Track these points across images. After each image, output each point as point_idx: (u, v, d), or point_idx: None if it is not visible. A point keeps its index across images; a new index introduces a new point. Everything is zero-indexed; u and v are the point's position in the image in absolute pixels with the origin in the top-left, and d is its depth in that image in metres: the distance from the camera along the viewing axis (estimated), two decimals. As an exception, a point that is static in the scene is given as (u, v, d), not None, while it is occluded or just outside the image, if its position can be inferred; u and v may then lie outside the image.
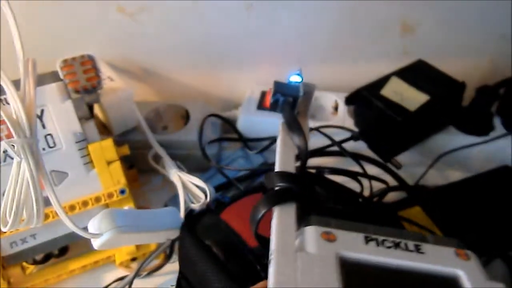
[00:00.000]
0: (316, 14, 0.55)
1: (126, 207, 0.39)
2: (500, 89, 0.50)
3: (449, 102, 0.50)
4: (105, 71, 0.51)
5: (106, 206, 0.43)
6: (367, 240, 0.25)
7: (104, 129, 0.52)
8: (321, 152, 0.51)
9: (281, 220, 0.26)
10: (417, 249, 0.24)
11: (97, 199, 0.42)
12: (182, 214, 0.44)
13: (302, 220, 0.26)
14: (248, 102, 0.57)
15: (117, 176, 0.43)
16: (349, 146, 0.51)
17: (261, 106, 0.56)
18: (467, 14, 0.56)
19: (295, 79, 0.38)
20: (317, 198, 0.30)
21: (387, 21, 0.56)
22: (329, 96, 0.58)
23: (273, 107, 0.38)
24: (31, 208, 0.29)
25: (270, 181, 0.29)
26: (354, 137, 0.49)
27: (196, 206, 0.44)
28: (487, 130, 0.52)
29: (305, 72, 0.60)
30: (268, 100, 0.55)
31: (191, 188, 0.45)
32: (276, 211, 0.27)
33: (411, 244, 0.25)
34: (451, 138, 0.51)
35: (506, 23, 0.56)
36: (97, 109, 0.50)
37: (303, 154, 0.32)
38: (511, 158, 0.50)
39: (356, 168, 0.50)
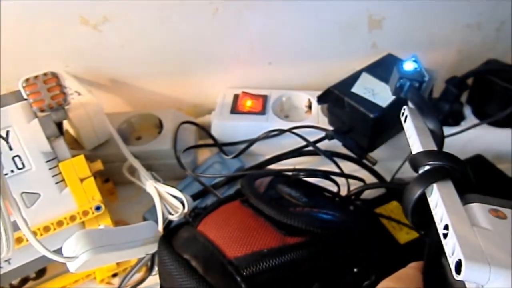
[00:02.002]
0: (281, 14, 0.55)
1: (101, 226, 0.38)
2: (468, 79, 0.51)
3: (419, 95, 0.51)
4: (72, 86, 0.50)
5: (82, 224, 0.42)
6: None
7: (77, 144, 0.51)
8: (296, 152, 0.51)
9: (446, 196, 0.25)
10: None
11: (72, 218, 0.41)
12: (160, 226, 0.43)
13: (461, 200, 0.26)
14: (221, 106, 0.56)
15: (91, 193, 0.42)
16: (324, 144, 0.51)
17: (234, 110, 0.55)
18: (431, 5, 0.56)
19: (411, 65, 0.37)
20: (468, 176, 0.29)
21: (353, 18, 0.56)
22: (302, 95, 0.58)
23: (397, 92, 0.37)
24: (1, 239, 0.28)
25: (419, 159, 0.29)
26: (328, 136, 0.49)
27: (174, 217, 0.43)
28: (458, 120, 0.53)
29: (276, 72, 0.61)
30: (242, 103, 0.55)
31: (168, 199, 0.45)
32: (436, 188, 0.26)
33: None
34: (424, 130, 0.52)
35: (470, 13, 0.57)
36: (67, 125, 0.49)
37: (439, 138, 0.32)
38: (483, 147, 0.51)
39: (332, 166, 0.50)
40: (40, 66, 0.54)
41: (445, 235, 0.23)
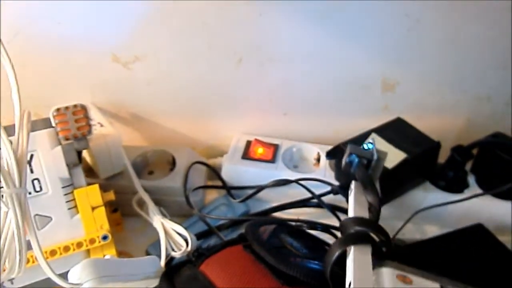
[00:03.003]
0: (300, 70, 0.58)
1: (107, 256, 0.39)
2: (473, 149, 0.53)
3: (425, 160, 0.52)
4: (96, 117, 0.53)
5: (88, 251, 0.43)
6: None
7: (91, 173, 0.53)
8: (301, 203, 0.53)
9: (358, 258, 0.28)
10: None
11: (79, 245, 0.42)
12: (163, 261, 0.44)
13: (375, 264, 0.28)
14: (233, 150, 0.59)
15: (100, 222, 0.44)
16: (329, 198, 0.52)
17: (245, 155, 0.57)
18: (444, 74, 0.59)
19: (369, 145, 0.42)
20: (389, 245, 0.32)
21: (368, 79, 0.59)
22: (312, 148, 0.60)
23: (347, 168, 0.41)
24: (13, 259, 0.30)
25: (347, 225, 0.32)
26: (333, 191, 0.51)
27: (177, 254, 0.44)
28: (462, 188, 0.54)
29: (289, 123, 0.63)
30: (254, 150, 0.57)
31: (173, 236, 0.46)
32: (353, 251, 0.29)
33: None
34: (428, 194, 0.53)
35: (481, 86, 0.60)
36: (85, 153, 0.52)
37: (376, 210, 0.36)
38: (485, 216, 0.52)
39: (335, 220, 0.51)
40: (68, 95, 0.58)
41: None
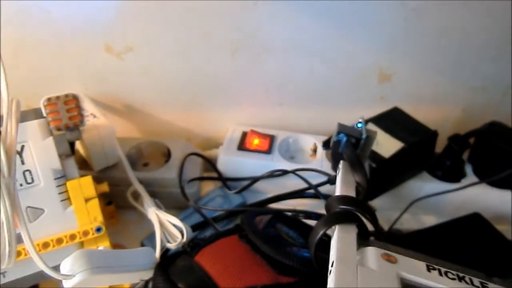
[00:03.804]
0: (296, 60, 0.57)
1: (100, 247, 0.39)
2: (470, 138, 0.53)
3: (422, 149, 0.52)
4: (89, 108, 0.52)
5: (81, 244, 0.43)
6: (429, 268, 0.25)
7: (85, 165, 0.52)
8: (298, 194, 0.52)
9: (342, 237, 0.27)
10: (483, 287, 0.25)
11: (72, 237, 0.41)
12: (157, 253, 0.43)
13: (360, 243, 0.27)
14: (229, 142, 0.58)
15: (94, 214, 0.43)
16: (326, 188, 0.52)
17: (241, 146, 0.57)
18: (439, 65, 0.59)
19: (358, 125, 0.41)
20: (375, 223, 0.32)
21: (365, 69, 0.58)
22: (308, 139, 0.59)
23: (335, 147, 0.40)
24: (3, 250, 0.29)
25: (332, 204, 0.31)
26: (330, 181, 0.50)
27: (172, 245, 0.44)
28: (459, 177, 0.54)
29: (286, 114, 0.63)
30: (250, 141, 0.57)
31: (168, 227, 0.46)
32: (338, 230, 0.28)
33: (476, 281, 0.25)
34: (425, 184, 0.53)
35: (476, 75, 0.60)
36: (78, 145, 0.51)
37: (363, 190, 0.35)
38: (482, 205, 0.52)
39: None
40: (61, 86, 0.58)
41: (330, 272, 0.25)
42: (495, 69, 0.59)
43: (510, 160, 0.50)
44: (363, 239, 0.28)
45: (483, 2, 0.52)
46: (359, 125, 0.40)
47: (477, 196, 0.52)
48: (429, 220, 0.53)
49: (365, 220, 0.31)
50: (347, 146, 0.39)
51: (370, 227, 0.31)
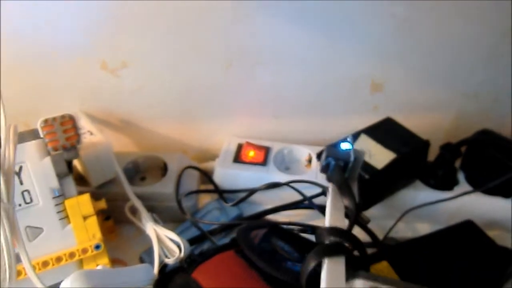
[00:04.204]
0: (290, 72, 0.58)
1: (99, 266, 0.39)
2: (461, 147, 0.53)
3: (415, 159, 0.53)
4: (85, 125, 0.52)
5: (81, 261, 0.43)
6: None
7: (82, 181, 0.53)
8: (293, 205, 0.53)
9: (331, 271, 0.28)
10: None
11: (71, 255, 0.42)
12: (156, 269, 0.44)
13: (350, 274, 0.28)
14: (225, 154, 0.59)
15: (92, 231, 0.44)
16: (321, 199, 0.53)
17: (237, 159, 0.58)
18: (431, 73, 0.59)
19: (346, 146, 0.42)
20: (363, 254, 0.33)
21: (357, 80, 0.59)
22: (303, 150, 0.60)
23: (324, 170, 0.41)
24: (3, 273, 0.30)
25: (321, 235, 0.32)
26: (324, 192, 0.51)
27: (170, 260, 0.45)
28: (451, 185, 0.55)
29: (280, 126, 0.63)
30: (245, 153, 0.58)
31: (166, 242, 0.46)
32: (327, 263, 0.29)
33: None
34: (418, 193, 0.54)
35: (468, 83, 0.60)
36: (76, 161, 0.51)
37: (352, 215, 0.36)
38: (475, 212, 0.53)
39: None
40: (58, 102, 0.58)
41: None
42: (486, 77, 0.60)
43: (501, 167, 0.51)
44: (353, 270, 0.29)
45: (473, 11, 0.53)
46: (348, 145, 0.41)
47: (469, 204, 0.53)
48: (423, 228, 0.54)
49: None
50: (335, 170, 0.40)
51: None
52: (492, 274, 0.45)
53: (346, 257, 0.30)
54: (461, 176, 0.56)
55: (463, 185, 0.54)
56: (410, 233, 0.54)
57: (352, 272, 0.29)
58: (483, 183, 0.52)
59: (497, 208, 0.53)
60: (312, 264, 0.30)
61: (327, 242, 0.32)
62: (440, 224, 0.52)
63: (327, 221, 0.35)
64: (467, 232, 0.50)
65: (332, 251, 0.31)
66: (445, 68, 0.59)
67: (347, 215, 0.37)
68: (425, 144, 0.52)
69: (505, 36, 0.55)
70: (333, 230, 0.33)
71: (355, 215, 0.36)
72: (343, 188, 0.38)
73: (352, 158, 0.40)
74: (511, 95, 0.61)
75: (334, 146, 0.42)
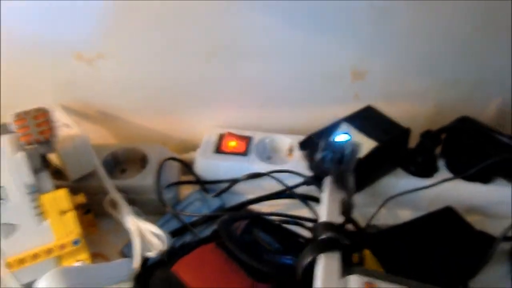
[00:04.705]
0: (271, 63, 0.57)
1: (78, 263, 0.39)
2: (441, 134, 0.54)
3: (395, 147, 0.53)
4: (61, 118, 0.51)
5: (59, 258, 0.42)
6: None
7: (60, 175, 0.52)
8: (275, 195, 0.53)
9: (326, 267, 0.29)
10: None
11: (49, 251, 0.41)
12: (137, 263, 0.44)
13: (345, 270, 0.29)
14: (206, 144, 0.58)
15: (70, 226, 0.43)
16: (303, 188, 0.53)
17: (218, 149, 0.57)
18: (411, 61, 0.59)
19: (343, 138, 0.42)
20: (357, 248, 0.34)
21: (338, 69, 0.59)
22: (285, 139, 0.60)
23: (321, 163, 0.41)
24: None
25: (317, 231, 0.33)
26: (306, 182, 0.51)
27: (152, 254, 0.44)
28: (432, 172, 0.55)
29: (262, 115, 0.63)
30: (226, 143, 0.57)
31: (147, 235, 0.46)
32: (322, 259, 0.30)
33: None
34: (399, 180, 0.54)
35: (448, 70, 0.61)
36: (52, 155, 0.50)
37: (348, 208, 0.37)
38: (454, 198, 0.53)
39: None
40: (32, 95, 0.57)
41: None
42: (464, 64, 0.60)
43: (480, 153, 0.51)
44: (347, 265, 0.30)
45: (450, 1, 0.53)
46: (344, 137, 0.41)
47: (450, 190, 0.53)
48: (405, 215, 0.55)
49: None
50: (332, 163, 0.40)
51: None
52: (472, 259, 0.46)
53: (341, 252, 0.31)
54: (441, 163, 0.56)
55: (443, 172, 0.55)
56: (391, 220, 0.54)
57: (347, 267, 0.29)
58: (462, 170, 0.52)
59: (476, 194, 0.54)
60: (308, 259, 0.30)
61: (322, 237, 0.32)
62: (421, 210, 0.53)
63: (323, 214, 0.35)
64: (447, 218, 0.51)
65: (327, 247, 0.31)
66: (424, 56, 0.59)
67: (343, 206, 0.37)
68: (406, 132, 0.52)
69: (482, 24, 0.55)
70: (328, 226, 0.33)
71: (351, 206, 0.37)
72: (339, 180, 0.38)
73: (348, 151, 0.40)
74: (489, 82, 0.62)
75: (330, 138, 0.43)
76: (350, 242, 0.32)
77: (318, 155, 0.41)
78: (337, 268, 0.29)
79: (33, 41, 0.52)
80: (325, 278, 0.28)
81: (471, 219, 0.51)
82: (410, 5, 0.52)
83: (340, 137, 0.42)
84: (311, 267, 0.30)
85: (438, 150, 0.56)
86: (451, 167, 0.55)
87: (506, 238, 0.47)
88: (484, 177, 0.53)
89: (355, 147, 0.41)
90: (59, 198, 0.42)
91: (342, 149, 0.40)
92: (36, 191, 0.41)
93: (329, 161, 0.40)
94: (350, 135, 0.42)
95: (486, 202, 0.54)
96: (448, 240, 0.48)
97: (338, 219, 0.35)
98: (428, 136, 0.53)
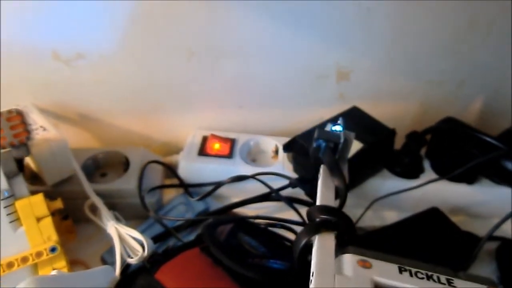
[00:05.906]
0: (255, 63, 0.56)
1: (54, 272, 0.37)
2: (426, 135, 0.54)
3: (381, 148, 0.53)
4: (38, 120, 0.49)
5: (35, 266, 0.41)
6: (401, 270, 0.27)
7: (37, 180, 0.50)
8: (261, 198, 0.52)
9: (321, 247, 0.29)
10: (449, 283, 0.27)
11: (24, 260, 0.39)
12: (118, 270, 0.42)
13: (340, 250, 0.29)
14: (189, 147, 0.57)
15: (47, 233, 0.41)
16: (288, 190, 0.52)
17: (202, 152, 0.56)
18: (396, 61, 0.59)
19: (337, 128, 0.42)
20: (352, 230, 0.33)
21: (323, 69, 0.58)
22: (270, 141, 0.59)
23: (315, 152, 0.41)
24: None
25: (312, 213, 0.33)
26: (292, 184, 0.50)
27: (133, 260, 0.43)
28: (417, 173, 0.55)
29: (246, 117, 0.62)
30: (210, 146, 0.56)
31: (129, 241, 0.44)
32: (317, 240, 0.30)
33: (443, 278, 0.27)
34: (385, 181, 0.54)
35: (432, 70, 0.61)
36: (29, 159, 0.48)
37: (342, 194, 0.37)
38: (440, 199, 0.53)
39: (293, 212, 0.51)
40: (8, 96, 0.54)
41: (311, 281, 0.27)
42: (449, 64, 0.60)
43: (464, 154, 0.51)
44: (342, 246, 0.30)
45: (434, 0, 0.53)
46: (337, 127, 0.41)
47: (435, 191, 0.53)
48: (391, 216, 0.54)
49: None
50: (326, 152, 0.40)
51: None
52: (458, 259, 0.46)
53: (336, 234, 0.31)
54: (426, 164, 0.56)
55: (429, 173, 0.55)
56: (377, 221, 0.54)
57: (341, 248, 0.29)
58: (448, 171, 0.52)
59: (462, 194, 0.54)
60: (304, 240, 0.31)
61: (318, 219, 0.32)
62: (407, 211, 0.52)
63: (318, 200, 0.36)
64: (433, 219, 0.51)
65: (323, 227, 0.31)
66: (409, 56, 0.59)
67: (337, 194, 0.37)
68: (391, 133, 0.52)
69: (467, 24, 0.56)
70: (324, 208, 0.33)
71: (345, 194, 0.36)
72: (333, 169, 0.38)
73: (342, 140, 0.40)
74: (474, 82, 0.62)
75: (324, 128, 0.42)
76: (345, 223, 0.32)
77: (313, 144, 0.41)
78: (332, 248, 0.29)
79: (8, 40, 0.50)
80: (321, 259, 0.28)
81: (457, 219, 0.51)
82: (395, 5, 0.52)
83: (334, 127, 0.42)
84: (307, 250, 0.30)
85: (423, 151, 0.57)
86: (436, 168, 0.55)
87: (491, 238, 0.47)
88: (469, 178, 0.53)
89: (348, 136, 0.41)
90: (34, 204, 0.40)
91: (336, 138, 0.40)
92: (10, 196, 0.39)
93: (323, 150, 0.40)
94: (342, 126, 0.41)
95: (471, 202, 0.54)
96: (435, 240, 0.48)
97: (333, 204, 0.35)
98: (414, 137, 0.53)
